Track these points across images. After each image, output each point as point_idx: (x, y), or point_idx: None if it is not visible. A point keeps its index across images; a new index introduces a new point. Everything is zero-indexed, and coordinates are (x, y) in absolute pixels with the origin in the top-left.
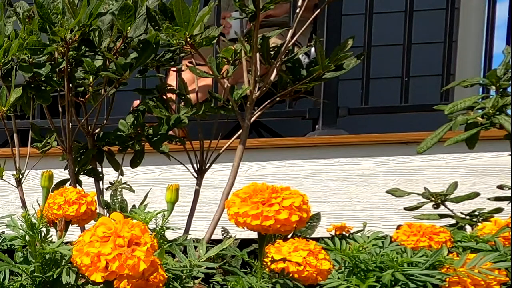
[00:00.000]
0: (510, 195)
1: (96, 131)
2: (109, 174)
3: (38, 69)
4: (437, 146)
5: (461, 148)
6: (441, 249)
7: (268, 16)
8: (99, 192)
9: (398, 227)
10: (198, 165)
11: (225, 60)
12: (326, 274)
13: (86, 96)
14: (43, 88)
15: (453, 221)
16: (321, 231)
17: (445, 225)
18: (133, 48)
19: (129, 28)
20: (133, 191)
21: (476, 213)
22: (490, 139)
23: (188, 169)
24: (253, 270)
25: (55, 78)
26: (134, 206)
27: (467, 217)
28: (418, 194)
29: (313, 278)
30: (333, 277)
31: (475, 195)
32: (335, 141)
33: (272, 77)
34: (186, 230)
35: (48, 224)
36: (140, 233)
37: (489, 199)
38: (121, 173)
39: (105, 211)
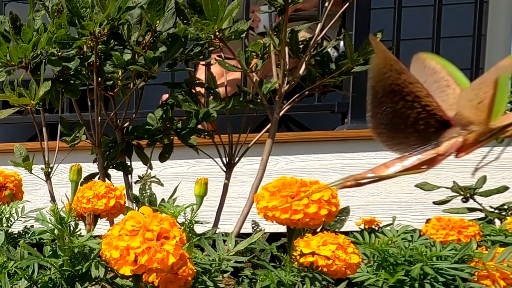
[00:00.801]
0: None
1: (125, 125)
2: (138, 168)
3: (67, 63)
4: None
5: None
6: (470, 243)
7: (297, 10)
8: (128, 186)
9: (427, 221)
10: (227, 159)
11: (254, 54)
12: (355, 268)
13: (115, 90)
14: (72, 82)
15: (482, 215)
16: (350, 225)
17: (474, 219)
18: (162, 42)
19: (158, 22)
20: (162, 185)
21: (505, 207)
22: None
23: (217, 163)
24: (282, 264)
25: (84, 72)
26: (163, 200)
27: (496, 211)
28: (447, 188)
29: (342, 272)
30: (362, 271)
31: (504, 189)
32: (364, 135)
33: (301, 71)
34: (215, 224)
35: (77, 218)
36: (169, 227)
37: None
38: (150, 167)
39: (134, 205)
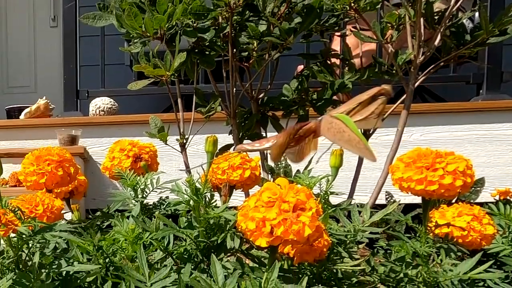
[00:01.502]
0: None
1: (260, 96)
2: None
3: (202, 34)
4: None
5: None
6: None
7: None
8: (263, 157)
9: None
10: (362, 130)
11: (389, 25)
12: (490, 239)
13: (250, 61)
14: (207, 53)
15: None
16: (485, 196)
17: None
18: (297, 13)
19: None
20: None
21: None
22: None
23: None
24: (417, 235)
25: (219, 43)
26: (298, 171)
27: None
28: None
29: (477, 243)
30: (497, 242)
31: None
32: (499, 105)
33: (436, 42)
34: (350, 195)
35: (212, 189)
36: (305, 198)
37: None
38: None
39: (269, 176)
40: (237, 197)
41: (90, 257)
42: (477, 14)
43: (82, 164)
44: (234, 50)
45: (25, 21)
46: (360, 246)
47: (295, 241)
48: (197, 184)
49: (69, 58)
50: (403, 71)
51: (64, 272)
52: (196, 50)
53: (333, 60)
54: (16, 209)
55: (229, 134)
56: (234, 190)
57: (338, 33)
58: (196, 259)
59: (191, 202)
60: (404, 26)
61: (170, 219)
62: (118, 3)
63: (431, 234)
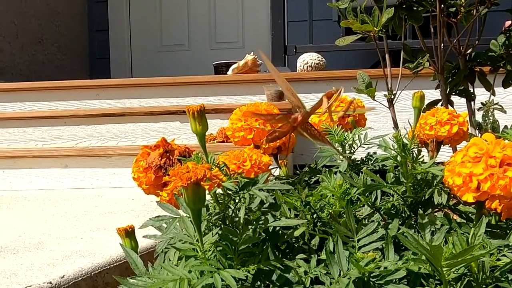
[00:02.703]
0: None
1: (468, 51)
2: (480, 94)
3: None
4: None
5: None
6: None
7: None
8: (471, 113)
9: None
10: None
11: None
12: None
13: (458, 17)
14: (414, 8)
15: None
16: None
17: None
18: None
19: None
20: (505, 112)
21: None
22: None
23: None
24: None
25: None
26: (506, 126)
27: None
28: None
29: None
30: None
31: None
32: None
33: None
34: None
35: (419, 145)
36: None
37: None
38: (493, 93)
39: (477, 131)
40: (444, 153)
41: (298, 213)
42: None
43: None
44: (442, 5)
45: None
46: None
47: (502, 196)
48: (404, 140)
49: (277, 14)
50: None
51: (271, 228)
52: (404, 6)
53: None
54: (222, 165)
55: (435, 89)
56: (442, 145)
57: None
58: (403, 215)
59: (399, 158)
60: None
61: (378, 175)
62: None
63: None
